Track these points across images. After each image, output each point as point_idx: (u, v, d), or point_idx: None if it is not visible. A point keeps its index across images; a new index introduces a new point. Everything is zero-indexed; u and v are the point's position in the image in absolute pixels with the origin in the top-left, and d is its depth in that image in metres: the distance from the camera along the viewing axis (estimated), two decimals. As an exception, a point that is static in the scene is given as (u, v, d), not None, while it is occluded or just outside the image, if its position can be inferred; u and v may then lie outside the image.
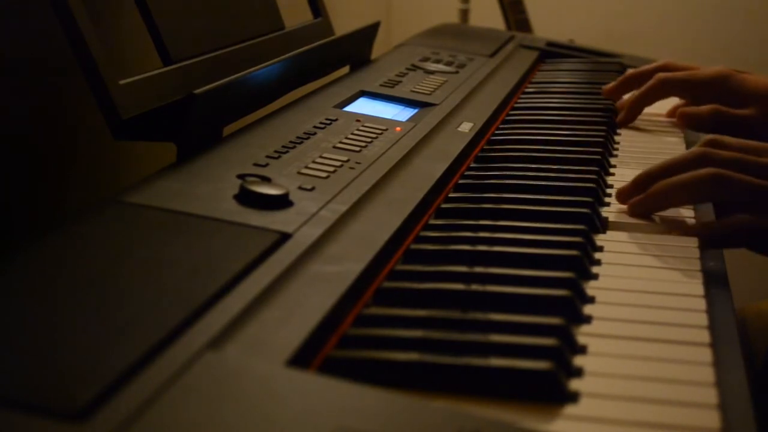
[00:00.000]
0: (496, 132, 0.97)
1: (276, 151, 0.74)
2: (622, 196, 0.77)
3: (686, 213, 0.77)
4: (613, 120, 1.04)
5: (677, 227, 0.74)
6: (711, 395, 0.49)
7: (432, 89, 1.03)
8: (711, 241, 0.72)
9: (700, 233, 0.72)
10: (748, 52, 2.13)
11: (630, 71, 1.10)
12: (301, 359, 0.48)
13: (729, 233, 0.74)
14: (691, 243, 0.70)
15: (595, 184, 0.79)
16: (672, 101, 1.08)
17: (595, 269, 0.64)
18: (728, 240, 0.74)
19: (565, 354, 0.51)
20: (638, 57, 1.42)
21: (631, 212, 0.76)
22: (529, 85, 1.20)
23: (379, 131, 0.85)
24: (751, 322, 1.03)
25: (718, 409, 0.47)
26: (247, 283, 0.53)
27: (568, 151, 0.89)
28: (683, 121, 1.03)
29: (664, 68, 1.05)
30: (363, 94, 0.98)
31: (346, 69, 1.14)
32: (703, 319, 0.57)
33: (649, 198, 0.75)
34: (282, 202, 0.64)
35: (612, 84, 1.10)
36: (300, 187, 0.67)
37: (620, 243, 0.69)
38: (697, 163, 0.74)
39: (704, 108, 1.01)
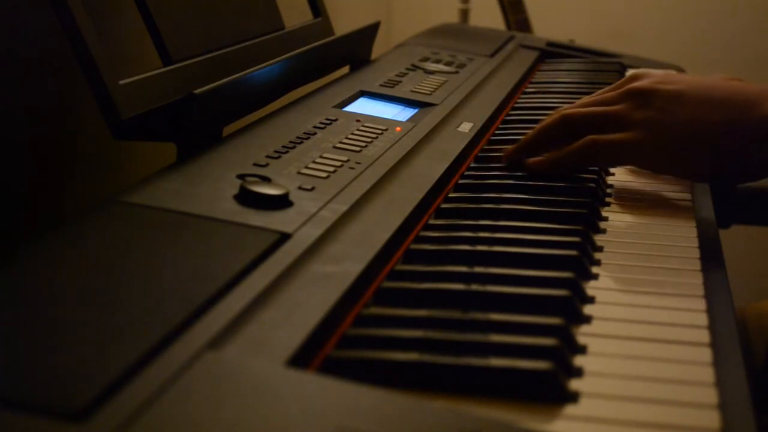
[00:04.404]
0: (496, 132, 0.97)
1: (276, 151, 0.74)
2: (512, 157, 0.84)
3: (684, 196, 0.79)
4: None
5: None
6: (711, 395, 0.49)
7: (432, 89, 1.03)
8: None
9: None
10: (749, 52, 2.13)
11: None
12: (301, 359, 0.48)
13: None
14: (691, 243, 0.70)
15: (595, 184, 0.79)
16: None
17: (595, 269, 0.64)
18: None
19: (565, 354, 0.51)
20: (638, 57, 1.42)
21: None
22: (529, 85, 1.20)
23: (379, 131, 0.85)
24: (751, 322, 1.03)
25: (718, 408, 0.47)
26: (247, 284, 0.53)
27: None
28: None
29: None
30: (363, 94, 0.98)
31: (346, 69, 1.14)
32: (703, 319, 0.57)
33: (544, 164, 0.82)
34: (282, 202, 0.64)
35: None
36: (300, 187, 0.67)
37: (620, 243, 0.69)
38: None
39: None
